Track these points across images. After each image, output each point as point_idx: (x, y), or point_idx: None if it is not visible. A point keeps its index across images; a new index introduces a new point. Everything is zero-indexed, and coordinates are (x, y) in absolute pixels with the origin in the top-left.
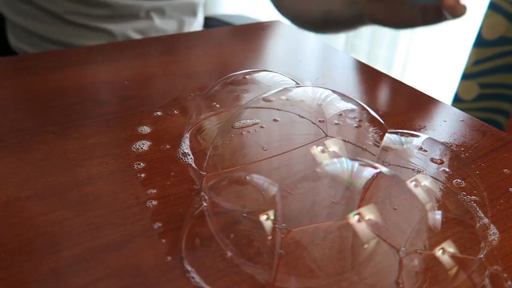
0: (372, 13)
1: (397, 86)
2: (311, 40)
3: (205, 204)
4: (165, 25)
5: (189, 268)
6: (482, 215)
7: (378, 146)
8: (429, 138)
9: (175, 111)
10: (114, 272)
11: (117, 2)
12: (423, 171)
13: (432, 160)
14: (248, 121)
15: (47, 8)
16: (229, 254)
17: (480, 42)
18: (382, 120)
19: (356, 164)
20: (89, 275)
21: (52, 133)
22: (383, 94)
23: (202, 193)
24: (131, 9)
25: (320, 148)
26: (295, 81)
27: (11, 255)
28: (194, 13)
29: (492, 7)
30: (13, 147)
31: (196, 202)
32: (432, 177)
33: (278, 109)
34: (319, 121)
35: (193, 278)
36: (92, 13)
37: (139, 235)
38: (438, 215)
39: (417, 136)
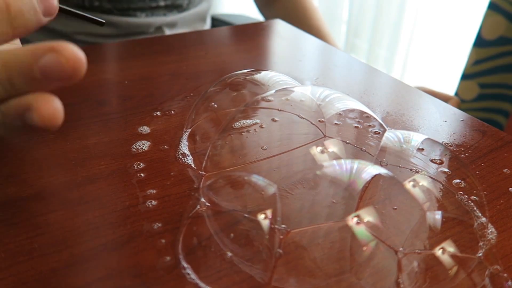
0: None
1: (397, 86)
2: (311, 40)
3: (203, 204)
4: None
5: (188, 267)
6: (480, 214)
7: (377, 147)
8: (428, 138)
9: (175, 111)
10: (114, 272)
11: (127, 21)
12: (422, 171)
13: (431, 160)
14: (247, 121)
15: (56, 28)
16: (229, 254)
17: (480, 42)
18: (382, 120)
19: (356, 164)
20: (89, 275)
21: (52, 133)
22: (383, 94)
23: (201, 193)
24: (141, 28)
25: (319, 148)
26: (295, 81)
27: (11, 255)
28: (204, 20)
29: (492, 7)
30: (13, 147)
31: (195, 202)
32: (431, 177)
33: (278, 109)
34: (319, 121)
35: (192, 278)
36: (102, 32)
37: (139, 235)
38: (436, 215)
39: (416, 136)
